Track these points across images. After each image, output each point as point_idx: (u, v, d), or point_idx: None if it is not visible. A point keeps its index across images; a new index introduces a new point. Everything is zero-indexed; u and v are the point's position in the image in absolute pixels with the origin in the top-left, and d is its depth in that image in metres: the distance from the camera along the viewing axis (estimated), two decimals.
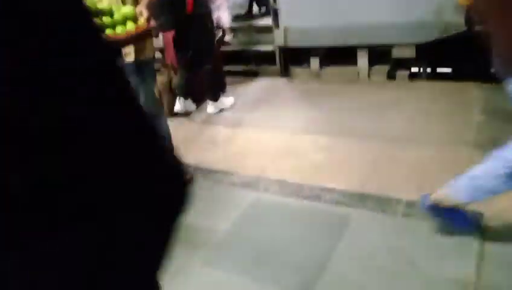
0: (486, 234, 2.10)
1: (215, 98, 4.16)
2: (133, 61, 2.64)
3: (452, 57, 4.24)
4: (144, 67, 2.71)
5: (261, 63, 5.40)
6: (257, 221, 2.49)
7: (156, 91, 2.92)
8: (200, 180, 2.98)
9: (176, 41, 3.96)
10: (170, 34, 4.18)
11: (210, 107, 4.16)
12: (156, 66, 4.21)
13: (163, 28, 3.81)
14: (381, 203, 2.45)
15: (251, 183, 2.84)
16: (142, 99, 2.80)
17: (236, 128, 3.76)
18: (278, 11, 4.67)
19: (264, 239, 2.32)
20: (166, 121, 2.98)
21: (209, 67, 4.07)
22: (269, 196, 2.70)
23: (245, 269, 2.12)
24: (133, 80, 2.74)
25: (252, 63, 5.48)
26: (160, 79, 4.04)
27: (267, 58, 5.20)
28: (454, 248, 2.06)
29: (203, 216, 2.58)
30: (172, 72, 4.18)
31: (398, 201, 2.43)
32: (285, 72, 5.02)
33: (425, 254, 2.04)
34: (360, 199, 2.52)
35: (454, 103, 3.59)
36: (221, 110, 4.17)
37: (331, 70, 4.78)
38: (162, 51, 4.91)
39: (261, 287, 2.00)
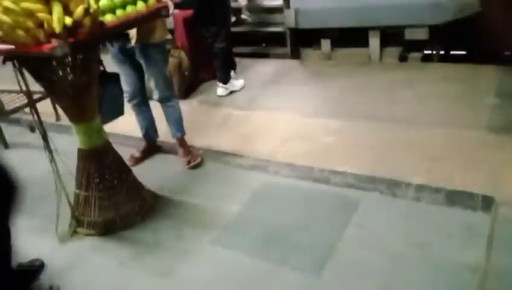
0: (496, 218, 2.09)
1: (225, 80, 4.14)
2: (138, 44, 2.61)
3: (466, 39, 4.16)
4: (151, 49, 2.68)
5: (270, 44, 5.36)
6: (267, 203, 2.50)
7: (167, 73, 2.90)
8: (210, 162, 3.00)
9: (195, 20, 3.96)
10: (180, 15, 4.16)
11: (220, 89, 4.14)
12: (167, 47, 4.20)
13: (188, 5, 3.82)
14: (392, 187, 2.44)
15: (261, 166, 2.85)
16: (152, 83, 2.80)
17: (247, 111, 3.76)
18: None
19: (274, 221, 2.34)
20: (178, 104, 2.98)
21: (224, 46, 4.06)
22: (279, 179, 2.71)
23: (255, 250, 2.15)
24: (141, 62, 2.72)
25: (261, 45, 5.44)
26: (170, 60, 4.02)
27: (277, 39, 5.15)
28: (464, 232, 2.06)
29: (214, 198, 2.61)
30: (182, 53, 4.17)
31: (408, 185, 2.43)
32: (295, 54, 4.97)
33: (434, 238, 2.05)
34: (370, 182, 2.52)
35: (467, 86, 3.53)
36: (231, 93, 4.16)
37: (342, 52, 4.72)
38: (172, 32, 4.87)
39: (270, 267, 2.03)
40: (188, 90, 4.23)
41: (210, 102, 4.07)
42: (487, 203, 2.19)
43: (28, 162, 3.35)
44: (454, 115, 3.11)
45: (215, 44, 4.02)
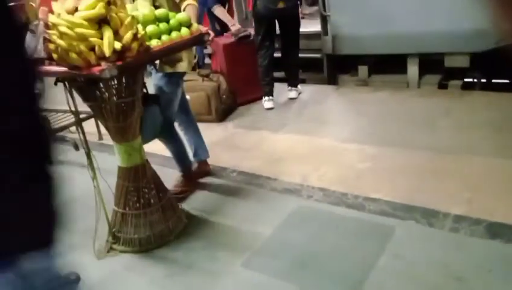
0: None
1: (298, 83, 4.64)
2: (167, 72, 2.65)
3: (509, 67, 4.05)
4: (175, 78, 2.71)
5: (307, 70, 5.41)
6: (299, 227, 2.50)
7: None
8: (244, 185, 3.03)
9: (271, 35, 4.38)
10: (220, 41, 4.30)
11: (293, 92, 4.58)
12: (206, 71, 4.34)
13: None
14: (428, 216, 2.38)
15: (294, 190, 2.86)
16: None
17: (282, 135, 3.79)
18: (328, 18, 4.67)
19: (306, 246, 2.32)
20: (198, 130, 3.02)
21: (298, 54, 4.54)
22: (312, 203, 2.70)
23: (286, 274, 2.13)
24: (167, 89, 2.75)
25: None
26: (210, 84, 4.14)
27: (314, 65, 5.20)
28: (504, 265, 1.97)
29: (246, 220, 2.63)
30: (221, 78, 4.28)
31: (446, 215, 2.37)
32: (332, 80, 4.99)
33: (473, 271, 1.97)
34: (406, 210, 2.47)
35: (510, 116, 3.43)
36: (300, 94, 4.65)
37: (379, 78, 4.70)
38: (210, 56, 5.03)
39: None
40: (225, 113, 4.33)
41: (245, 125, 4.13)
42: None
43: (69, 179, 3.49)
44: (496, 144, 3.02)
45: (294, 52, 4.49)
